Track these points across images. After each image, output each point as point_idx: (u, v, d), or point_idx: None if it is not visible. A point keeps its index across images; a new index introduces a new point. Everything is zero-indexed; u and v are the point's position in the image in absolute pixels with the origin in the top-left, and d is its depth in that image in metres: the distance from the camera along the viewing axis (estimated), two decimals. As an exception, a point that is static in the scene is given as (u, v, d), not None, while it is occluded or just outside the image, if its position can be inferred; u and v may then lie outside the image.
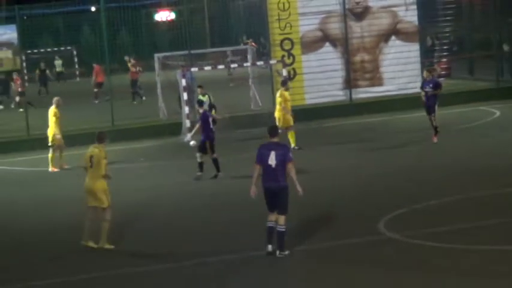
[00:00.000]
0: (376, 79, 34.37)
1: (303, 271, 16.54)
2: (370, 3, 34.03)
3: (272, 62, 32.30)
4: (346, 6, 33.72)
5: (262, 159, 14.90)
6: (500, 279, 14.77)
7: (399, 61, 33.87)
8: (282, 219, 15.11)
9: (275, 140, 15.27)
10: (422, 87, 26.80)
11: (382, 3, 34.20)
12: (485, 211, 18.72)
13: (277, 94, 27.15)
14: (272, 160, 15.16)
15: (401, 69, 34.43)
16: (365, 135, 30.18)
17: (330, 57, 33.78)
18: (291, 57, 33.16)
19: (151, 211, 20.19)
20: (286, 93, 26.58)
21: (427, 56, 36.96)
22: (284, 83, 27.06)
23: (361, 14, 34.00)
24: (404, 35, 34.15)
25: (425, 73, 27.45)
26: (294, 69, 33.09)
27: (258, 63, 34.68)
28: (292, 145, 24.53)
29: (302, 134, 28.28)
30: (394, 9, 34.17)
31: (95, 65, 40.97)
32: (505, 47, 38.14)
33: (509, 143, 25.19)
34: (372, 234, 17.80)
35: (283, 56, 32.71)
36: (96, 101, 39.55)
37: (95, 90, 39.84)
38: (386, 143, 28.26)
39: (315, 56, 33.49)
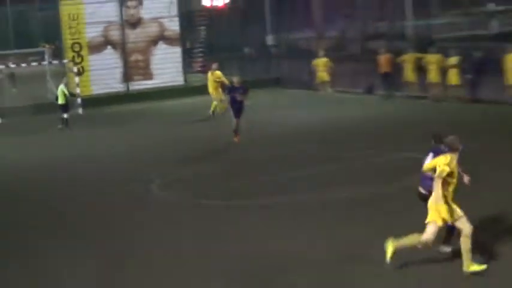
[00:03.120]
0: (147, 74, 43.23)
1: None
2: (142, 15, 42.31)
3: (65, 61, 40.62)
4: (124, 18, 41.96)
5: None
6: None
7: (166, 60, 42.92)
8: None
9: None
10: (230, 93, 28.57)
11: (152, 15, 42.53)
12: (235, 173, 23.33)
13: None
14: None
15: (167, 67, 43.47)
16: (139, 117, 37.12)
17: (111, 57, 42.23)
18: (80, 57, 41.57)
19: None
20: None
21: (187, 57, 46.26)
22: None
23: (135, 23, 42.66)
24: (169, 40, 43.44)
25: (235, 79, 29.47)
26: (82, 66, 41.17)
27: (54, 61, 42.75)
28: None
29: (89, 117, 36.60)
30: (161, 20, 42.83)
31: None
32: (246, 50, 47.49)
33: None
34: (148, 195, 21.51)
35: (73, 56, 40.75)
36: None
37: None
38: (154, 122, 35.47)
39: (99, 56, 41.82)
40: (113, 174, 25.31)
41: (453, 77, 34.68)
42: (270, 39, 50.40)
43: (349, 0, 51.94)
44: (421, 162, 15.24)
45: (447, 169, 13.22)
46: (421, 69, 37.18)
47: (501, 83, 33.62)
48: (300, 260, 15.27)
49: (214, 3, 48.68)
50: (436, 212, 13.49)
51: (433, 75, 35.61)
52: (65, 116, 33.93)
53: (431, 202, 13.54)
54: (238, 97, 27.62)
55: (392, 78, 38.61)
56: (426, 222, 13.64)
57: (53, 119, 35.12)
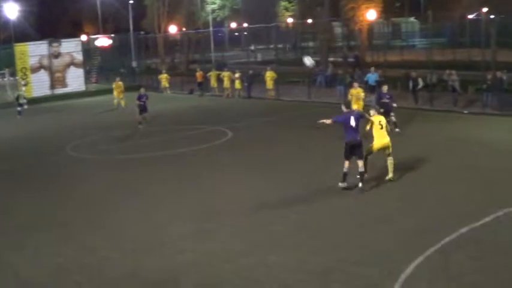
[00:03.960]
0: (64, 84, 57.49)
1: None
2: (61, 51, 56.15)
3: (17, 78, 52.72)
4: (50, 52, 55.50)
5: None
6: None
7: (74, 76, 57.57)
8: None
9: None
10: (139, 99, 35.51)
11: (67, 51, 56.78)
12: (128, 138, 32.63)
13: None
14: None
15: (75, 80, 57.62)
16: (60, 109, 47.76)
17: (43, 75, 55.82)
18: (26, 75, 54.50)
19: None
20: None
21: (87, 74, 59.68)
22: None
23: (57, 56, 56.81)
24: (76, 65, 57.60)
25: (142, 90, 37.05)
26: (27, 80, 53.71)
27: (11, 78, 54.95)
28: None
29: (32, 110, 45.36)
30: (72, 53, 57.49)
31: None
32: (121, 70, 60.98)
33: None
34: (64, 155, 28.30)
35: (22, 75, 53.51)
36: None
37: None
38: (70, 112, 45.85)
39: (37, 75, 55.59)
40: (44, 143, 33.53)
41: (237, 84, 48.05)
42: (134, 64, 67.04)
43: (179, 40, 72.36)
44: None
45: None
46: (219, 80, 49.95)
47: (264, 88, 46.47)
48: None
49: (103, 44, 68.32)
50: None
51: (226, 83, 48.79)
52: (20, 109, 45.09)
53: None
54: (144, 101, 35.50)
55: (204, 85, 52.06)
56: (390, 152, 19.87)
57: (10, 112, 46.41)
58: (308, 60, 36.50)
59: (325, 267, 13.75)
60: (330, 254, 14.49)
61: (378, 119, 20.30)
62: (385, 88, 30.02)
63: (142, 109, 35.42)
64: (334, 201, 18.74)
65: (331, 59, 59.89)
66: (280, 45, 76.76)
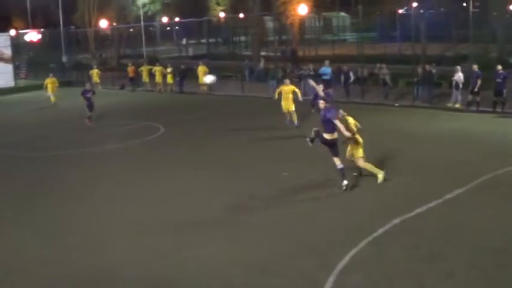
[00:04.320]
0: None
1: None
2: None
3: None
4: None
5: None
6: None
7: (3, 71, 56.00)
8: None
9: None
10: (83, 94, 34.71)
11: None
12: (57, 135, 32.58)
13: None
14: None
15: (4, 76, 56.09)
16: None
17: None
18: None
19: None
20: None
21: (16, 69, 58.94)
22: None
23: None
24: (5, 60, 56.46)
25: (87, 85, 36.18)
26: None
27: None
28: None
29: None
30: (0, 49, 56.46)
31: None
32: (52, 65, 60.60)
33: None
34: None
35: None
36: None
37: None
38: None
39: None
40: None
41: (169, 79, 48.04)
42: (65, 59, 66.19)
43: (110, 35, 71.86)
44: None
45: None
46: (151, 75, 49.84)
47: (196, 83, 46.42)
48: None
49: (33, 39, 67.15)
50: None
51: (158, 78, 48.70)
52: None
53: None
54: (89, 96, 34.76)
55: (135, 80, 51.86)
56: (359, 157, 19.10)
57: None
58: (208, 79, 35.55)
59: (261, 261, 13.78)
60: (265, 248, 14.56)
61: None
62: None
63: (89, 105, 34.81)
64: (257, 191, 18.88)
65: (263, 53, 60.05)
66: (212, 40, 76.86)
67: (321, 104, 18.78)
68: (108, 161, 25.47)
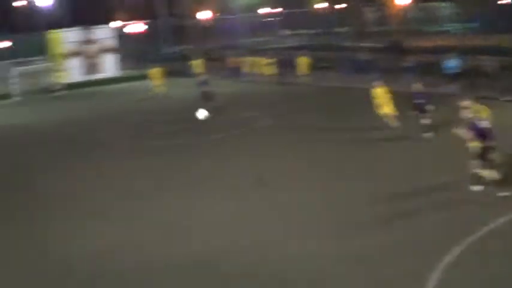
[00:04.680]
0: (100, 70, 58.39)
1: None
2: (96, 37, 57.62)
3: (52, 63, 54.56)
4: (84, 39, 56.71)
5: None
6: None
7: (110, 61, 58.65)
8: None
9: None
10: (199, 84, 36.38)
11: (101, 37, 58.04)
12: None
13: None
14: None
15: (111, 65, 58.63)
16: (97, 94, 50.76)
17: (78, 61, 57.36)
18: (61, 62, 55.39)
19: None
20: None
21: (122, 59, 59.96)
22: None
23: (91, 42, 57.72)
24: (111, 51, 58.82)
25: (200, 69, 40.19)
26: (63, 67, 54.71)
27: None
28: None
29: (69, 96, 49.55)
30: (105, 40, 58.28)
31: None
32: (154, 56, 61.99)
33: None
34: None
35: (57, 61, 54.73)
36: None
37: None
38: (108, 97, 48.57)
39: (72, 61, 56.66)
40: (75, 127, 36.25)
41: (271, 70, 48.54)
42: (167, 49, 67.69)
43: (211, 26, 72.34)
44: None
45: None
46: (253, 65, 51.04)
47: (298, 73, 46.60)
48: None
49: (136, 30, 68.16)
50: None
51: (259, 69, 49.80)
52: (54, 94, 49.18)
53: None
54: (207, 88, 35.93)
55: (237, 71, 52.65)
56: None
57: (45, 98, 50.21)
58: (201, 115, 34.98)
59: (367, 255, 14.08)
60: (373, 241, 14.82)
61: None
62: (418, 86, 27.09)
63: (205, 96, 35.10)
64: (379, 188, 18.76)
65: (363, 44, 58.94)
66: (312, 31, 76.19)
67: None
68: (213, 149, 26.57)
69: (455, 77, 35.36)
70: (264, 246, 15.14)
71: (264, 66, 49.54)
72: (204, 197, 19.98)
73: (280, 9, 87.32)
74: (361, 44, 58.52)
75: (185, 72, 54.76)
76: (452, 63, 37.28)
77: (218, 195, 20.11)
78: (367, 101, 27.16)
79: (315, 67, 46.89)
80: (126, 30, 67.07)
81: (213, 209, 18.56)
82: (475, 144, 17.99)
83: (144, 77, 49.29)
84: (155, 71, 46.78)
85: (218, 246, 15.49)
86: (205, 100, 35.02)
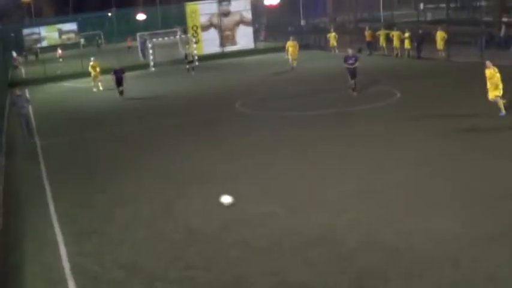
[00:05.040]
0: (233, 42, 60.14)
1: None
2: (231, 9, 58.28)
3: (188, 35, 55.17)
4: (220, 11, 58.14)
5: None
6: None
7: (244, 34, 59.68)
8: None
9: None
10: (345, 61, 32.33)
11: (236, 9, 58.85)
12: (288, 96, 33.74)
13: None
14: None
15: (244, 38, 59.52)
16: (229, 66, 50.58)
17: (213, 33, 59.10)
18: (197, 33, 57.15)
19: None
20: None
21: (256, 32, 60.90)
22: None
23: (227, 14, 59.65)
24: (245, 23, 59.93)
25: (350, 51, 33.63)
26: (198, 38, 56.31)
27: (183, 36, 56.65)
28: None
29: (202, 67, 49.91)
30: (241, 12, 59.30)
31: None
32: (289, 29, 63.47)
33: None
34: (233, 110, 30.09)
35: (193, 33, 55.97)
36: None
37: None
38: (241, 69, 48.42)
39: (207, 32, 58.83)
40: (213, 97, 36.72)
41: (407, 44, 47.45)
42: (302, 22, 67.23)
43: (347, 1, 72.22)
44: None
45: None
46: (389, 39, 49.63)
47: (434, 48, 45.02)
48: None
49: (271, 2, 68.62)
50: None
51: (395, 43, 48.31)
52: (188, 66, 49.17)
53: None
54: (352, 64, 31.98)
55: (373, 44, 51.91)
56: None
57: (181, 68, 49.92)
58: (225, 200, 34.01)
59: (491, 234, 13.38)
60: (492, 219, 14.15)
61: None
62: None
63: (352, 74, 32.46)
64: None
65: (505, 19, 56.11)
66: (451, 5, 73.58)
67: None
68: (344, 123, 25.71)
69: None
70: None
71: (401, 40, 48.32)
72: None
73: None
74: (502, 19, 55.41)
75: (320, 45, 55.03)
76: None
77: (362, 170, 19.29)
78: (505, 79, 25.27)
79: (452, 42, 45.33)
80: (264, 1, 66.24)
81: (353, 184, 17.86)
82: None
83: (279, 49, 48.43)
84: (291, 43, 46.48)
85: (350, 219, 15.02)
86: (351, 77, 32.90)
